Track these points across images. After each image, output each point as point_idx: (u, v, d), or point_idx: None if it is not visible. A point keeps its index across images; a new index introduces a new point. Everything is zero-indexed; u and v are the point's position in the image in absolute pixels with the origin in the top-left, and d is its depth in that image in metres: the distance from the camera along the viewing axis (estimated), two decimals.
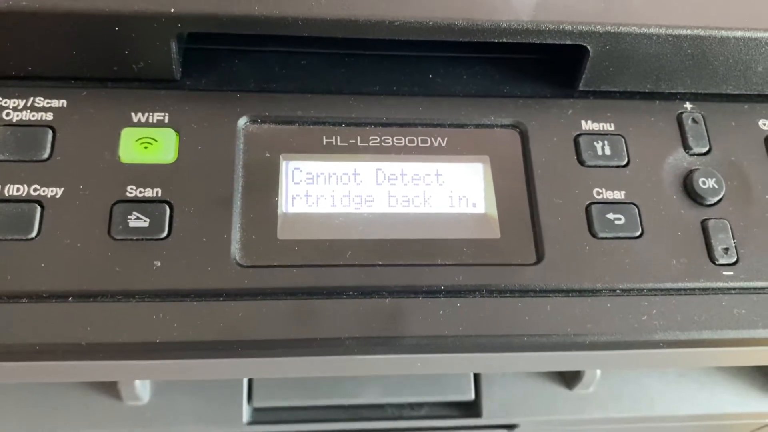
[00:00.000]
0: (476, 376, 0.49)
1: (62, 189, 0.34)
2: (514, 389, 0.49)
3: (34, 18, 0.34)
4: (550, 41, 0.37)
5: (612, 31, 0.37)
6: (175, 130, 0.36)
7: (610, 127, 0.39)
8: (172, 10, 0.34)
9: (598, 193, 0.38)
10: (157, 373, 0.35)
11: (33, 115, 0.36)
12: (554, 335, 0.35)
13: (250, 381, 0.47)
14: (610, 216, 0.37)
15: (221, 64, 0.39)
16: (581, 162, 0.38)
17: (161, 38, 0.35)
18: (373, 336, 0.34)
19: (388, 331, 0.34)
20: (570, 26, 0.37)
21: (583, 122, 0.39)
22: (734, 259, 0.37)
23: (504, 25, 0.36)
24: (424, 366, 0.36)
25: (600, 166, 0.38)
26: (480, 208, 0.37)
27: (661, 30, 0.37)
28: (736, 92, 0.41)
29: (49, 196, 0.34)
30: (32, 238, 0.33)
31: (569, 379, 0.50)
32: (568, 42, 0.37)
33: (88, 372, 0.35)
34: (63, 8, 0.34)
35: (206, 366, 0.35)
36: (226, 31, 0.35)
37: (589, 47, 0.38)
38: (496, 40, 0.37)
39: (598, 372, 0.49)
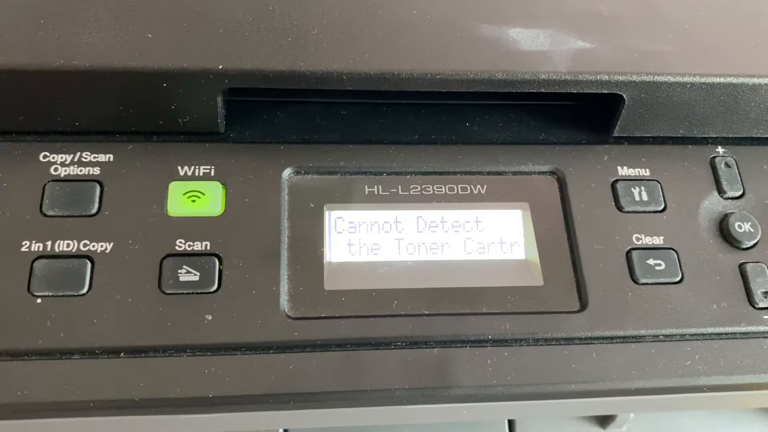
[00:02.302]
0: (510, 419, 0.49)
1: (112, 244, 0.35)
2: (548, 431, 0.49)
3: (84, 76, 0.34)
4: (587, 91, 0.38)
5: (647, 80, 0.38)
6: (222, 183, 0.37)
7: (645, 172, 0.40)
8: (220, 67, 0.35)
9: (638, 239, 0.38)
10: (205, 427, 0.36)
11: (80, 170, 0.36)
12: (600, 382, 0.35)
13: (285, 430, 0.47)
14: (651, 262, 0.37)
15: (263, 116, 0.40)
16: (619, 208, 0.39)
17: (208, 93, 0.36)
18: (422, 387, 0.34)
19: (436, 381, 0.34)
20: (606, 76, 0.37)
21: (619, 168, 0.40)
22: None
23: (543, 76, 0.37)
24: (469, 414, 0.36)
25: (638, 212, 0.39)
26: (521, 255, 0.38)
27: (694, 78, 0.38)
28: (767, 136, 0.42)
29: (98, 251, 0.35)
30: (83, 294, 0.34)
31: (603, 419, 0.50)
32: (605, 91, 0.38)
33: (137, 427, 0.35)
34: (113, 67, 0.34)
35: (255, 418, 0.35)
36: (271, 86, 0.35)
37: (624, 95, 0.38)
38: (535, 91, 0.37)
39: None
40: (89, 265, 0.34)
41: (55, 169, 0.36)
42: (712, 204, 0.40)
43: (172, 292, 0.34)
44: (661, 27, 0.40)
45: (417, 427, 0.48)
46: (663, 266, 0.37)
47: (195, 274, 0.34)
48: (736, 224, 0.39)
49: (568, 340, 0.35)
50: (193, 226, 0.35)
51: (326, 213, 0.37)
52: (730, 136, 0.42)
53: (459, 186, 0.39)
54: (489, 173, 0.39)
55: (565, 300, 0.36)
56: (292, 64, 0.35)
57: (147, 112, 0.37)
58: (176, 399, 0.32)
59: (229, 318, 0.34)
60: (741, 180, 0.41)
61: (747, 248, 0.39)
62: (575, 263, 0.37)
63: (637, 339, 0.36)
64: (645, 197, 0.39)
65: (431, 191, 0.39)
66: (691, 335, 0.36)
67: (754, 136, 0.42)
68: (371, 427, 0.47)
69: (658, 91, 0.38)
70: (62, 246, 0.34)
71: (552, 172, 0.40)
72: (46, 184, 0.36)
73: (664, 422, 0.51)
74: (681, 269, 0.38)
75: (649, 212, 0.39)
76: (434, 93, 0.38)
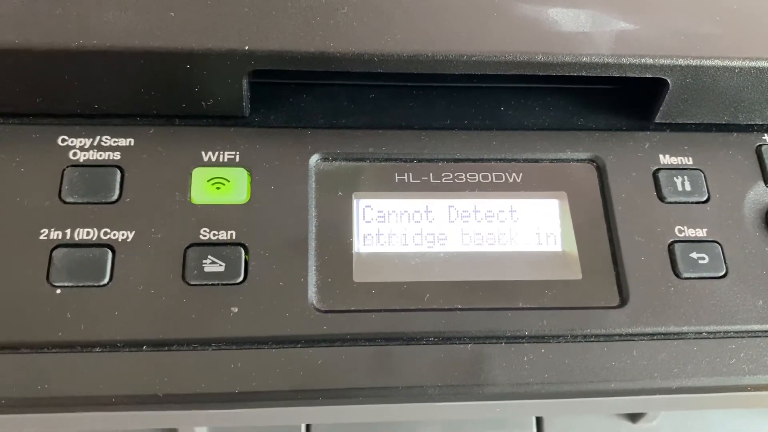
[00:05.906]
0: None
1: (133, 232, 0.33)
2: (577, 426, 0.48)
3: (104, 57, 0.33)
4: (630, 75, 0.36)
5: (694, 64, 0.36)
6: (247, 170, 0.35)
7: (688, 161, 0.38)
8: (246, 48, 0.33)
9: (680, 231, 0.36)
10: (227, 421, 0.34)
11: (100, 155, 0.35)
12: (641, 380, 0.34)
13: (308, 425, 0.46)
14: (694, 255, 0.36)
15: (289, 99, 0.38)
16: (661, 198, 0.37)
17: (233, 75, 0.34)
18: (455, 384, 0.33)
19: (471, 379, 0.33)
20: (651, 60, 0.35)
21: (661, 156, 0.38)
22: None
23: (585, 59, 0.35)
24: (502, 411, 0.35)
25: (680, 202, 0.37)
26: (559, 247, 0.36)
27: (744, 63, 0.36)
28: None
29: (120, 239, 0.33)
30: (104, 285, 0.32)
31: (633, 414, 0.49)
32: (649, 75, 0.36)
33: (156, 420, 0.34)
34: (134, 47, 0.33)
35: (277, 413, 0.34)
36: (300, 69, 0.34)
37: (669, 80, 0.36)
38: (576, 74, 0.35)
39: None
40: (110, 254, 0.33)
41: (74, 154, 0.35)
42: (758, 195, 0.38)
43: (197, 283, 0.33)
44: (709, 8, 0.37)
45: (440, 423, 0.47)
46: (706, 260, 0.36)
47: (220, 265, 0.33)
48: None
49: (608, 337, 0.34)
50: (218, 215, 0.34)
51: (354, 201, 0.36)
52: None
53: (493, 174, 0.37)
54: (525, 161, 0.38)
55: (604, 294, 0.35)
56: (321, 45, 0.33)
57: (169, 95, 0.35)
58: (201, 395, 0.31)
59: (255, 310, 0.32)
60: None
61: None
62: (615, 256, 0.36)
63: (680, 336, 0.34)
64: (688, 187, 0.37)
65: (464, 179, 0.37)
66: (736, 332, 0.35)
67: None
68: (392, 422, 0.46)
69: (704, 75, 0.36)
70: (82, 234, 0.33)
71: (591, 160, 0.38)
72: (64, 169, 0.34)
73: (693, 416, 0.50)
74: (725, 263, 0.36)
75: (692, 203, 0.37)
76: (468, 76, 0.36)
